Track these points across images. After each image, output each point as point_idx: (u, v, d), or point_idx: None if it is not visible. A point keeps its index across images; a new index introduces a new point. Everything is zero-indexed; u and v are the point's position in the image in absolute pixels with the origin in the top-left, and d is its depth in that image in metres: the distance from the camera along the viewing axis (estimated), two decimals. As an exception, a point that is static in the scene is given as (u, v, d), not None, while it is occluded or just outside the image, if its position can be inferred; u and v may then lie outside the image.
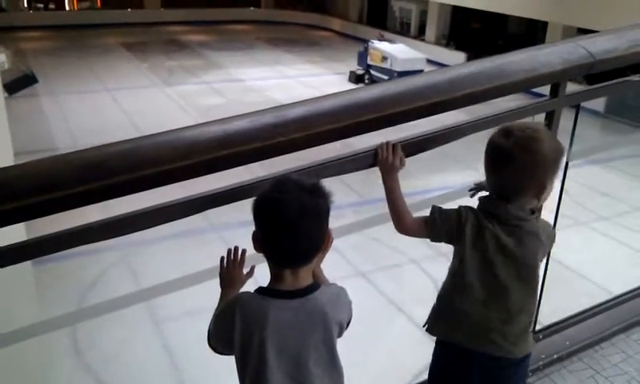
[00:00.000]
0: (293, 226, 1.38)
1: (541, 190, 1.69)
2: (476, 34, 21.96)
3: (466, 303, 1.78)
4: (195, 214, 1.62)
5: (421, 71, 16.64)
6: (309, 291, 1.44)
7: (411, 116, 1.79)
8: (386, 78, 17.48)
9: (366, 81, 18.52)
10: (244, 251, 1.65)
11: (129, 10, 29.13)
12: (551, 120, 2.04)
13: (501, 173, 1.70)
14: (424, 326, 1.92)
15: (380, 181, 1.81)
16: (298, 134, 1.55)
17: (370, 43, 19.48)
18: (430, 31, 23.96)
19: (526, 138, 1.64)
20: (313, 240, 1.42)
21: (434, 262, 9.20)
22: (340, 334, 1.50)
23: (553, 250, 1.87)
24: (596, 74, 2.04)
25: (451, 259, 1.83)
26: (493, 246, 1.72)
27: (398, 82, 1.83)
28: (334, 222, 1.49)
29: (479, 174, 1.85)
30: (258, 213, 1.41)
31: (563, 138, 2.19)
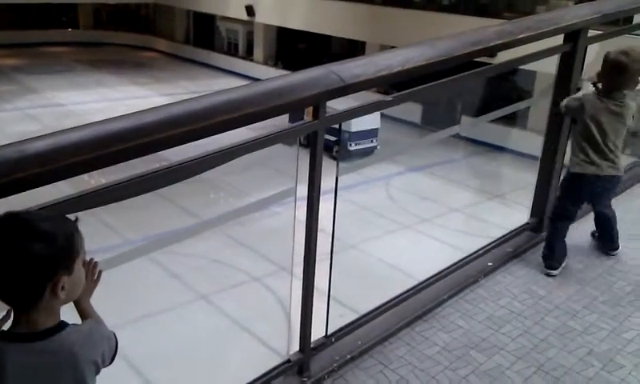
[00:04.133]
0: None
1: (637, 84, 3.20)
2: (302, 54, 22.76)
3: (590, 147, 3.21)
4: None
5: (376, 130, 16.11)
6: (52, 332, 1.37)
7: (169, 143, 1.80)
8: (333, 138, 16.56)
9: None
10: None
11: None
12: (315, 140, 2.15)
13: (621, 76, 3.11)
14: (568, 167, 3.41)
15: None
16: (39, 170, 1.49)
17: None
18: (258, 51, 24.42)
19: (637, 54, 3.08)
20: (19, 286, 1.32)
21: (276, 278, 9.31)
22: (97, 372, 1.46)
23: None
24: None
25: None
26: (603, 112, 3.17)
27: (155, 110, 1.83)
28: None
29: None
30: None
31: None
